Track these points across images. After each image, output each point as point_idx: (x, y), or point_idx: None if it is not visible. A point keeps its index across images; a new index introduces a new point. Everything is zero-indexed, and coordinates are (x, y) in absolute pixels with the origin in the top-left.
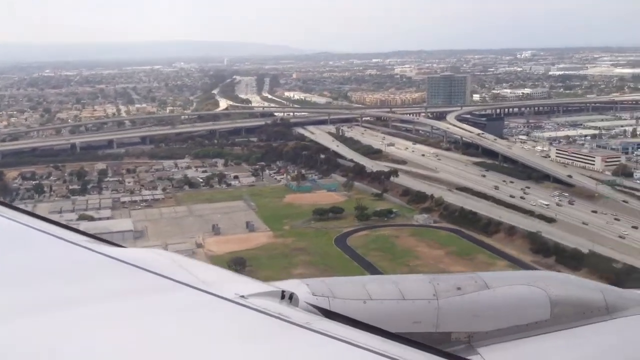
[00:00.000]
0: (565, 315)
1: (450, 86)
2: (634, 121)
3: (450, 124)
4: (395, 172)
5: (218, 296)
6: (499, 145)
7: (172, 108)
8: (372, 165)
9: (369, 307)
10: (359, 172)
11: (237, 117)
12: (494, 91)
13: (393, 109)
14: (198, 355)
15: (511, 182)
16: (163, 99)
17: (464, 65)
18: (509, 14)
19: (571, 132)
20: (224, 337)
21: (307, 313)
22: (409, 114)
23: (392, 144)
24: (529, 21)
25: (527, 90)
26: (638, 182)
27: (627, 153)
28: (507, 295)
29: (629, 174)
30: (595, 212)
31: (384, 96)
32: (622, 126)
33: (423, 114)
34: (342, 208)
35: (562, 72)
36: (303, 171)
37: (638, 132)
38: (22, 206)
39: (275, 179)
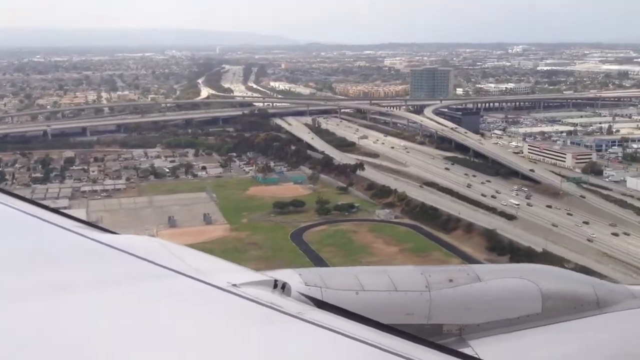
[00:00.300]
0: (557, 309)
1: (433, 79)
2: (611, 118)
3: (427, 117)
4: (361, 166)
5: (210, 284)
6: (470, 140)
7: (153, 96)
8: (342, 158)
9: (361, 298)
10: (326, 164)
11: (217, 107)
12: (477, 85)
13: (373, 102)
14: (190, 343)
15: (473, 176)
16: (147, 87)
17: (454, 58)
18: (504, 8)
19: (547, 128)
20: (215, 326)
21: (300, 303)
22: (389, 106)
23: (365, 137)
24: (523, 16)
25: (510, 85)
26: (606, 179)
27: (600, 150)
28: (499, 288)
29: (598, 172)
30: (549, 206)
31: (367, 88)
32: (599, 123)
33: (403, 106)
34: (303, 201)
35: (550, 68)
36: (273, 163)
37: (614, 129)
38: None
39: (244, 170)
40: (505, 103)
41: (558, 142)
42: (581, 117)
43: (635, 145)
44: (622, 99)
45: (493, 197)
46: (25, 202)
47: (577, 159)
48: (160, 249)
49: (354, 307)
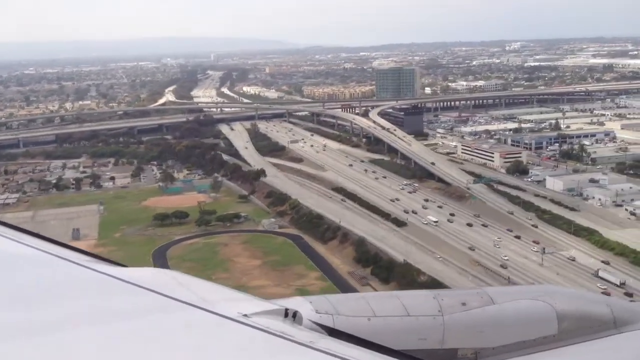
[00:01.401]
0: (573, 330)
1: (399, 79)
2: (569, 114)
3: (370, 119)
4: (262, 172)
5: (221, 315)
6: (400, 142)
7: (113, 104)
8: (263, 164)
9: (373, 324)
10: (235, 172)
11: (171, 113)
12: (448, 84)
13: (327, 104)
14: None
15: (383, 177)
16: (114, 96)
17: (446, 57)
18: (507, 6)
19: (492, 127)
20: (227, 358)
21: (311, 331)
22: (341, 108)
23: (296, 141)
24: (525, 13)
25: (480, 83)
26: (528, 179)
27: (540, 148)
28: (513, 311)
29: (524, 171)
30: (440, 206)
31: (333, 90)
32: (555, 119)
33: (358, 108)
34: (186, 212)
35: (538, 64)
36: (187, 171)
37: (564, 126)
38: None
39: (157, 179)
40: (466, 101)
41: (501, 140)
42: (541, 113)
43: (586, 142)
44: (592, 93)
45: (392, 201)
46: (33, 236)
47: (505, 158)
48: (170, 281)
49: (366, 334)
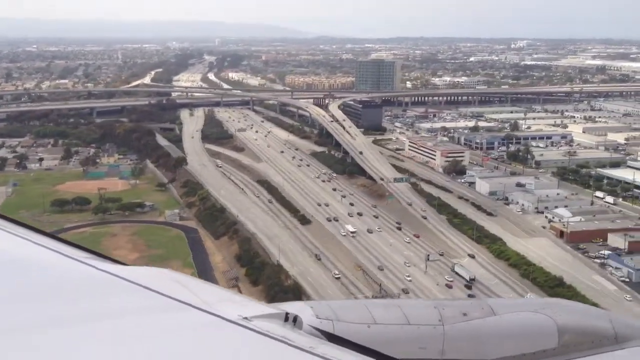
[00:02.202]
0: (573, 344)
1: (379, 71)
2: (535, 114)
3: (327, 111)
4: (183, 160)
5: (221, 317)
6: (345, 136)
7: (89, 84)
8: (200, 152)
9: (374, 332)
10: (160, 158)
11: (141, 95)
12: (432, 79)
13: (295, 94)
14: None
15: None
16: (96, 76)
17: (447, 52)
18: (519, 3)
19: (450, 124)
20: None
21: (311, 337)
22: (308, 98)
23: (243, 130)
24: (537, 12)
25: (462, 79)
26: (462, 180)
27: (492, 148)
28: (514, 322)
29: (461, 172)
30: (360, 214)
31: (313, 80)
32: (520, 119)
33: (327, 99)
34: (87, 199)
35: (534, 63)
36: (121, 155)
37: (525, 127)
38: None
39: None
40: (439, 97)
41: (454, 138)
42: (511, 112)
43: (541, 145)
44: (571, 95)
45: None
46: (33, 231)
47: (446, 157)
48: (171, 281)
49: (365, 341)
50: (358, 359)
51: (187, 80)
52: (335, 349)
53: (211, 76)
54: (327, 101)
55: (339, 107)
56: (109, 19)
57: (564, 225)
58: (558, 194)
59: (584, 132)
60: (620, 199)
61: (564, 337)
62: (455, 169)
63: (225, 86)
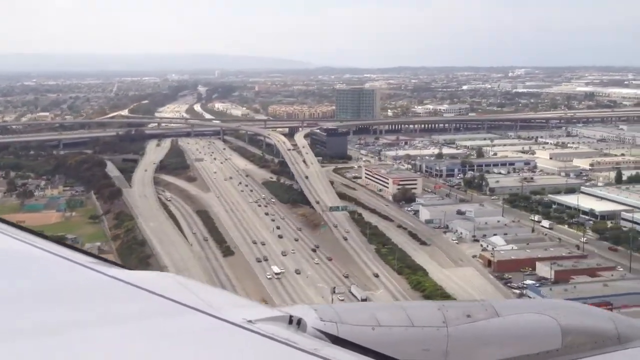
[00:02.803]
0: (577, 345)
1: (359, 100)
2: (507, 140)
3: (292, 140)
4: (119, 192)
5: (225, 321)
6: (299, 164)
7: (69, 116)
8: (146, 182)
9: (378, 334)
10: (101, 189)
11: (114, 126)
12: (415, 107)
13: (269, 123)
14: None
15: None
16: (80, 109)
17: (442, 81)
18: (521, 33)
19: (415, 152)
20: None
21: (315, 339)
22: (283, 127)
23: (200, 159)
24: (538, 41)
25: (443, 107)
26: (408, 209)
27: (452, 175)
28: (518, 324)
29: (410, 199)
30: (281, 236)
31: (294, 109)
32: (488, 145)
33: (301, 128)
34: None
35: (526, 90)
36: (66, 187)
37: (491, 153)
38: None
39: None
40: (413, 125)
41: (416, 166)
42: (484, 139)
43: (502, 171)
44: (549, 121)
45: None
46: (37, 236)
47: (398, 184)
48: (175, 285)
49: (370, 343)
50: None
51: (172, 111)
52: (340, 351)
53: (197, 107)
54: (300, 129)
55: (306, 135)
56: (116, 53)
57: (491, 254)
58: (498, 221)
59: (550, 158)
60: (566, 226)
61: (567, 338)
62: (405, 197)
63: (208, 116)
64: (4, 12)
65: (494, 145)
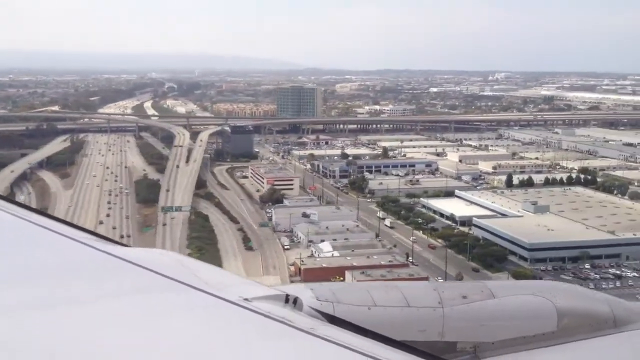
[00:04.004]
0: (573, 327)
1: (299, 98)
2: (430, 142)
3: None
4: None
5: (222, 298)
6: (174, 162)
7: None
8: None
9: (374, 314)
10: None
11: (35, 120)
12: (358, 108)
13: (191, 120)
14: (202, 357)
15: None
16: (22, 103)
17: (416, 83)
18: (508, 37)
19: (319, 152)
20: (227, 340)
21: (311, 318)
22: (209, 125)
23: (86, 155)
24: (526, 45)
25: (386, 107)
26: (269, 210)
27: (346, 176)
28: (514, 305)
29: (277, 200)
30: None
31: (237, 107)
32: (402, 147)
33: (222, 125)
34: None
35: (492, 93)
36: None
37: (402, 154)
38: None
39: None
40: (344, 125)
41: (314, 166)
42: (410, 140)
43: (400, 173)
44: (491, 122)
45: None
46: (34, 212)
47: (273, 184)
48: (173, 263)
49: (366, 323)
50: (358, 339)
51: (119, 107)
52: (336, 330)
53: (148, 104)
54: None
55: (219, 133)
56: (115, 51)
57: (301, 261)
58: (343, 225)
59: (460, 160)
60: (421, 232)
61: (563, 320)
62: (272, 198)
63: (152, 113)
64: (5, 8)
65: (404, 147)
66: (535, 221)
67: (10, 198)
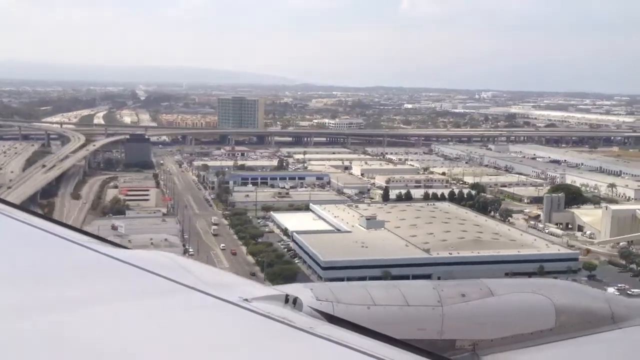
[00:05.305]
0: (571, 324)
1: (241, 110)
2: (347, 155)
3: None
4: None
5: (222, 299)
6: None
7: None
8: None
9: (373, 313)
10: None
11: None
12: (301, 121)
13: (110, 129)
14: (202, 358)
15: None
16: None
17: (398, 100)
18: (509, 58)
19: (215, 163)
20: (227, 341)
21: (311, 318)
22: (125, 134)
23: None
24: (522, 66)
25: (335, 121)
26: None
27: (227, 185)
28: (512, 303)
29: (119, 211)
30: None
31: (175, 118)
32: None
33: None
34: None
35: (462, 111)
36: None
37: (305, 165)
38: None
39: None
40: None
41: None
42: (333, 153)
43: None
44: (428, 137)
45: None
46: (33, 215)
47: (126, 195)
48: (172, 264)
49: (365, 322)
50: (358, 338)
51: (66, 117)
52: (335, 330)
53: (100, 114)
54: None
55: (121, 141)
56: (110, 64)
57: None
58: (151, 238)
59: (362, 174)
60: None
61: (561, 317)
62: (113, 209)
63: (98, 122)
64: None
65: (313, 160)
66: (361, 237)
67: (6, 200)
